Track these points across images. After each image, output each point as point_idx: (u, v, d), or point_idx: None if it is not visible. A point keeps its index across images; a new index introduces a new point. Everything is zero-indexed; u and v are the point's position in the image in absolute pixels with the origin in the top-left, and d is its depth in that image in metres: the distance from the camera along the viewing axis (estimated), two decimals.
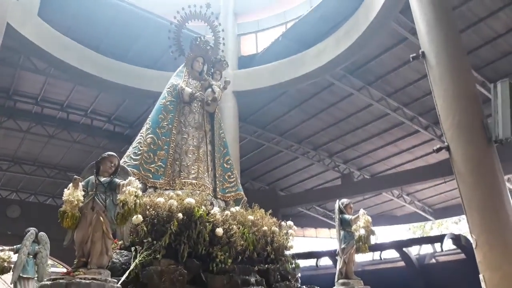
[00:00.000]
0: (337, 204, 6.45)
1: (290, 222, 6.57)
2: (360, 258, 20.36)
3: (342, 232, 6.23)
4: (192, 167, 6.31)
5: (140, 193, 3.92)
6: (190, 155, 6.38)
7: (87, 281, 3.42)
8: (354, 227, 6.01)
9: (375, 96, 14.21)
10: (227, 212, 5.50)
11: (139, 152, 6.06)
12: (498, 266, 6.38)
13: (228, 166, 6.94)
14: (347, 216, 6.23)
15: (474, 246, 6.77)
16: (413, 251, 15.25)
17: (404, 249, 14.36)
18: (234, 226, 5.35)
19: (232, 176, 6.93)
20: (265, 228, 5.97)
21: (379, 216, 24.71)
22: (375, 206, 23.44)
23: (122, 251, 4.96)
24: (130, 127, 16.58)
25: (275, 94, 14.16)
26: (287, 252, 6.39)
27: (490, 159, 6.72)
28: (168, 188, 6.07)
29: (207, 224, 5.06)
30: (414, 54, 7.06)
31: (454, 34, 7.11)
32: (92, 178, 4.07)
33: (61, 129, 15.93)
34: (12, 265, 6.80)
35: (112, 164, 4.21)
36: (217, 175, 6.70)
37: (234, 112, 12.65)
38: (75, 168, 18.17)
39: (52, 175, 18.59)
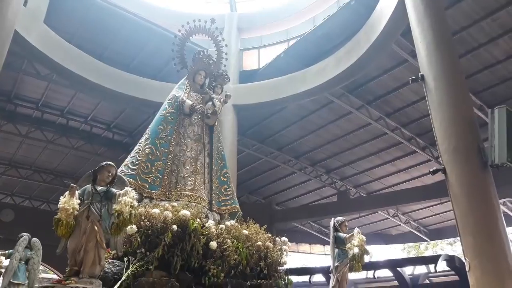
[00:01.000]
0: (332, 221, 6.47)
1: (284, 238, 6.56)
2: (354, 276, 20.28)
3: (336, 250, 6.24)
4: (189, 178, 6.34)
5: (136, 204, 3.95)
6: (187, 167, 6.41)
7: None
8: (348, 245, 6.03)
9: (374, 115, 14.32)
10: (222, 225, 5.51)
11: (136, 162, 6.09)
12: None
13: (225, 179, 6.96)
14: (341, 234, 6.25)
15: (467, 269, 6.77)
16: (408, 271, 15.20)
17: (398, 268, 14.32)
18: (228, 240, 5.34)
19: (228, 189, 6.94)
20: (259, 243, 5.97)
21: (374, 235, 24.64)
22: (371, 224, 23.40)
23: (114, 261, 4.94)
24: (129, 135, 16.62)
25: (275, 109, 14.26)
26: (280, 268, 6.38)
27: (485, 183, 6.77)
28: (164, 199, 6.07)
29: (201, 237, 5.06)
30: (414, 77, 7.16)
31: (453, 58, 7.22)
32: (88, 186, 4.09)
33: (60, 135, 15.97)
34: (3, 270, 6.77)
35: (110, 174, 4.24)
36: (213, 188, 6.72)
37: (233, 125, 12.73)
38: (72, 174, 18.15)
39: (48, 180, 18.55)
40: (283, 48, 13.94)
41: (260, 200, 21.76)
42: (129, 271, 4.51)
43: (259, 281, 5.79)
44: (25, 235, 7.05)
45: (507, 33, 10.93)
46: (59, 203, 3.76)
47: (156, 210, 5.04)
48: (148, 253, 4.81)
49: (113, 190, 4.07)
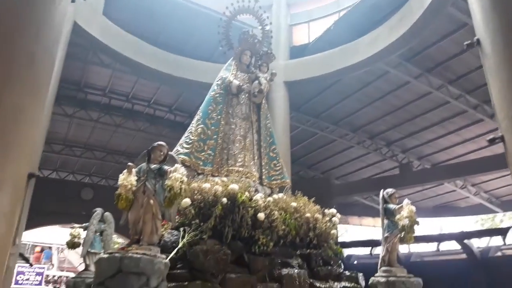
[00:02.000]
0: (382, 193, 6.47)
1: (333, 210, 6.72)
2: (421, 248, 19.89)
3: (386, 221, 6.25)
4: (239, 155, 6.67)
5: (185, 179, 4.31)
6: (237, 144, 6.75)
7: (138, 256, 3.88)
8: (397, 217, 6.02)
9: (434, 83, 13.62)
10: (269, 198, 5.79)
11: (190, 142, 6.53)
12: None
13: (274, 155, 7.20)
14: (391, 206, 6.24)
15: None
16: (480, 243, 14.58)
17: (465, 241, 13.82)
18: (276, 212, 5.61)
19: (278, 165, 7.19)
20: (308, 215, 6.19)
21: (440, 207, 23.73)
22: (437, 196, 22.53)
23: (172, 231, 5.45)
24: (190, 116, 17.37)
25: (328, 83, 14.09)
26: (332, 239, 6.56)
27: None
28: (216, 174, 6.49)
29: (250, 209, 5.37)
30: (469, 42, 6.71)
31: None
32: (144, 165, 4.54)
33: (127, 119, 17.15)
34: (82, 241, 7.69)
35: (162, 153, 4.65)
36: (263, 164, 7.00)
37: (285, 102, 12.81)
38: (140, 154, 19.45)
39: (120, 161, 20.08)
40: (333, 20, 13.61)
41: (319, 175, 21.81)
42: (184, 240, 4.98)
43: (308, 250, 6.04)
44: (98, 210, 7.88)
45: None
46: (119, 180, 4.24)
47: (206, 185, 5.44)
48: (201, 224, 5.25)
49: (165, 167, 4.47)
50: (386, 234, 6.13)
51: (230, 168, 6.55)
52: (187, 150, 6.47)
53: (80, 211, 17.38)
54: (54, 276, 22.09)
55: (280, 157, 7.35)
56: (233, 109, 6.98)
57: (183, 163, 5.53)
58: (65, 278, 22.10)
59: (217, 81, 7.13)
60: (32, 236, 22.87)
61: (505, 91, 6.31)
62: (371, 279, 5.88)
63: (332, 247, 6.39)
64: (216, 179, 5.95)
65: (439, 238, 16.68)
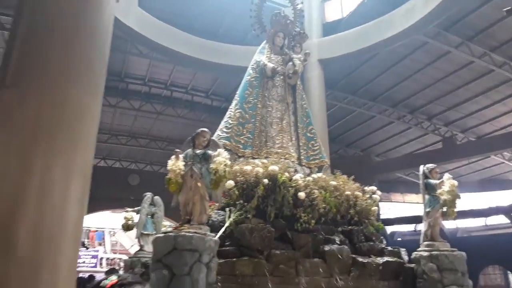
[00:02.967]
0: (422, 169, 6.46)
1: (373, 187, 6.80)
2: (468, 224, 19.33)
3: (427, 197, 6.27)
4: (277, 137, 6.86)
5: (228, 162, 4.58)
6: (274, 127, 6.92)
7: (190, 234, 4.21)
8: (439, 191, 6.02)
9: (476, 52, 13.06)
10: (308, 178, 5.96)
11: (229, 126, 6.78)
12: None
13: (312, 135, 7.32)
14: (432, 181, 6.23)
15: None
16: None
17: None
18: (316, 191, 5.78)
19: (315, 145, 7.31)
20: (347, 192, 6.31)
21: (488, 181, 22.90)
22: (483, 170, 21.77)
23: (219, 211, 5.77)
24: (226, 100, 17.67)
25: (363, 58, 13.85)
26: (373, 216, 6.66)
27: None
28: (256, 157, 6.72)
29: (290, 188, 5.58)
30: (509, 8, 6.43)
31: None
32: (189, 150, 4.84)
33: (167, 106, 17.72)
34: (135, 224, 8.24)
35: (205, 139, 4.92)
36: (301, 144, 7.15)
37: (320, 81, 12.74)
38: (181, 140, 20.07)
39: (162, 147, 20.85)
40: None
41: (358, 153, 21.61)
42: (231, 219, 5.28)
43: (349, 227, 6.20)
44: (148, 194, 8.39)
45: None
46: (168, 165, 4.57)
47: (248, 167, 5.68)
48: (245, 204, 5.53)
49: (209, 152, 4.75)
50: (427, 209, 6.15)
51: (269, 150, 6.75)
52: (227, 135, 6.73)
53: (128, 196, 18.23)
54: (108, 258, 23.55)
55: (318, 137, 7.46)
56: (269, 92, 7.13)
57: (224, 147, 5.81)
58: (118, 260, 23.53)
59: (252, 65, 7.28)
60: (86, 222, 24.37)
61: None
62: (414, 254, 5.97)
63: (373, 224, 6.50)
64: (257, 161, 6.19)
65: (487, 213, 16.25)
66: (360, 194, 6.46)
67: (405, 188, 24.09)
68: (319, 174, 6.42)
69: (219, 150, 4.63)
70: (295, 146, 7.03)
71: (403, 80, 15.31)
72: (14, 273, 1.76)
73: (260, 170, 5.60)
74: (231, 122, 6.79)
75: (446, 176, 5.94)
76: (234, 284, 4.78)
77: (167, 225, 6.71)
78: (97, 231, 26.67)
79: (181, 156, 4.67)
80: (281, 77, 7.15)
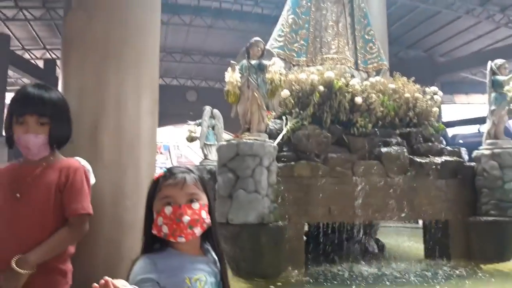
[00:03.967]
0: (490, 65, 6.07)
1: (434, 88, 6.58)
2: None
3: (493, 94, 5.98)
4: (332, 42, 6.65)
5: (283, 71, 4.64)
6: (329, 31, 6.68)
7: (251, 141, 4.49)
8: (506, 88, 5.71)
9: None
10: (366, 82, 5.87)
11: (282, 34, 6.65)
12: None
13: (369, 37, 7.02)
14: (499, 77, 5.89)
15: None
16: None
17: None
18: (373, 95, 5.73)
19: (373, 47, 7.03)
20: (407, 95, 6.17)
21: None
22: None
23: (276, 120, 5.98)
24: (277, 7, 16.89)
25: None
26: (433, 117, 6.54)
27: None
28: (311, 64, 6.65)
29: (346, 94, 5.57)
30: None
31: None
32: (244, 62, 4.92)
33: (217, 19, 17.44)
34: (198, 136, 8.79)
35: (259, 48, 4.95)
36: (358, 47, 6.91)
37: None
38: (234, 54, 20.03)
39: (216, 61, 21.00)
40: None
41: (421, 54, 20.29)
42: (288, 127, 5.48)
43: (408, 129, 6.17)
44: (208, 107, 8.78)
45: None
46: (225, 78, 4.73)
47: (303, 75, 5.69)
48: (301, 111, 5.66)
49: (264, 62, 4.81)
50: (493, 107, 5.92)
51: (324, 56, 6.62)
52: (280, 44, 6.64)
53: (188, 112, 19.12)
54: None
55: (376, 39, 7.14)
56: None
57: (278, 57, 5.80)
58: None
59: None
60: None
61: None
62: (475, 152, 5.91)
63: (433, 125, 6.41)
64: (312, 68, 6.14)
65: None
66: (420, 96, 6.30)
67: (470, 88, 22.69)
68: (377, 78, 6.28)
69: (273, 59, 4.68)
70: (351, 50, 6.82)
71: None
72: (103, 175, 2.09)
73: (316, 77, 5.60)
74: (284, 30, 6.64)
75: None
76: (294, 185, 5.13)
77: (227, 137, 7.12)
78: (163, 144, 28.68)
79: (237, 68, 4.79)
80: None
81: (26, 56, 18.93)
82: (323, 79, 5.60)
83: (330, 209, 5.23)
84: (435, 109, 6.48)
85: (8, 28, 15.99)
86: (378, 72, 6.96)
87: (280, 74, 4.59)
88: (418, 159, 5.62)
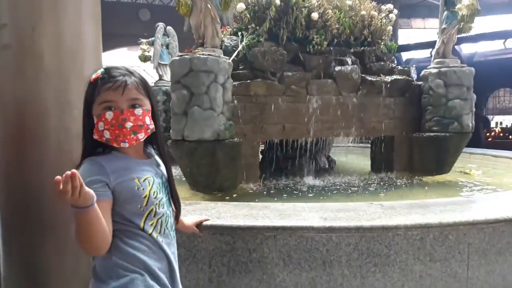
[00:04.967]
0: None
1: (390, 5, 6.56)
2: (485, 48, 19.01)
3: (445, 13, 6.07)
4: None
5: None
6: None
7: (205, 56, 4.37)
8: (458, 6, 5.80)
9: None
10: None
11: None
12: None
13: None
14: None
15: None
16: None
17: None
18: (330, 11, 5.64)
19: None
20: (363, 12, 6.12)
21: None
22: None
23: (231, 36, 5.82)
24: None
25: None
26: (387, 36, 6.60)
27: None
28: None
29: (303, 9, 5.45)
30: None
31: None
32: None
33: None
34: (151, 56, 8.42)
35: None
36: None
37: None
38: None
39: None
40: None
41: None
42: (243, 43, 5.36)
43: (362, 48, 6.22)
44: (161, 24, 8.30)
45: None
46: None
47: None
48: (257, 27, 5.52)
49: None
50: (443, 26, 6.04)
51: None
52: None
53: (142, 32, 18.08)
54: None
55: None
56: None
57: None
58: None
59: None
60: (104, 61, 24.80)
61: None
62: (423, 71, 6.12)
63: (387, 44, 6.49)
64: None
65: (505, 35, 15.73)
66: (376, 14, 6.28)
67: (427, 12, 22.79)
68: None
69: None
70: None
71: None
72: (45, 84, 1.99)
73: None
74: None
75: None
76: (249, 104, 5.17)
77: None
78: None
79: None
80: None
81: None
82: None
83: (285, 127, 5.37)
84: (389, 27, 6.52)
85: None
86: None
87: None
88: (369, 78, 5.75)
